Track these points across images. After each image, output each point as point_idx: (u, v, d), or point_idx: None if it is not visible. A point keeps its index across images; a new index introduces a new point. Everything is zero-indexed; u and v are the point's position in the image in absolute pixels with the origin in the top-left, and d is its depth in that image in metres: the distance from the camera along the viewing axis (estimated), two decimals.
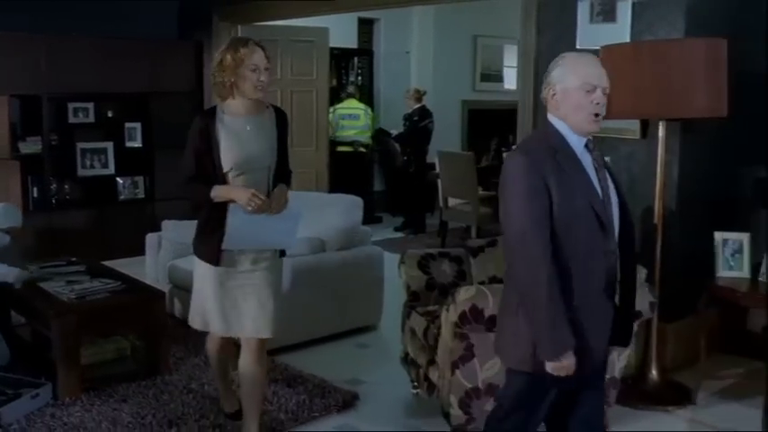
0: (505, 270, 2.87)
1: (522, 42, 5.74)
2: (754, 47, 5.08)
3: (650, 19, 4.96)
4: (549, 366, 2.65)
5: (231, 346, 4.02)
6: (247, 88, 3.53)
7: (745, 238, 4.35)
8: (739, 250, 4.37)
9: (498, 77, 12.10)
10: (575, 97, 2.66)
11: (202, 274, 3.69)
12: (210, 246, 3.60)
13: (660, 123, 4.53)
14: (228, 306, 3.65)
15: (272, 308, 3.69)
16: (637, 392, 4.56)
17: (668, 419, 4.35)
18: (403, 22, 11.46)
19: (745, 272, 4.34)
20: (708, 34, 4.61)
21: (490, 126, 10.73)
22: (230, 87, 3.54)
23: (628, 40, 5.00)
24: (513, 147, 6.34)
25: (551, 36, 5.49)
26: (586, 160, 2.70)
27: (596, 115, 2.67)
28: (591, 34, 5.19)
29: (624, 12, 5.09)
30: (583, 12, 5.30)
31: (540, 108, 5.55)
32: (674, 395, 4.57)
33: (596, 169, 2.70)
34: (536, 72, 5.55)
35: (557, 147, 2.67)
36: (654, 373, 4.63)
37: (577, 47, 5.26)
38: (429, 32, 11.46)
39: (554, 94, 2.71)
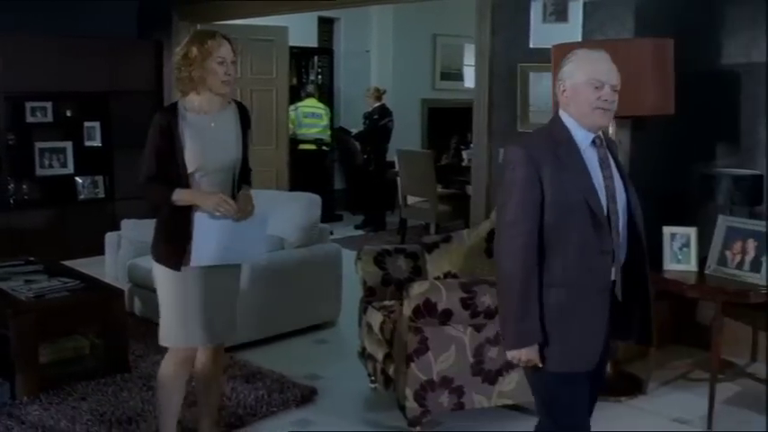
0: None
1: (477, 42, 5.84)
2: (699, 47, 5.21)
3: (601, 19, 5.08)
4: (510, 355, 2.70)
5: (192, 361, 3.68)
6: (215, 82, 3.36)
7: (692, 232, 4.47)
8: (687, 244, 4.48)
9: (458, 76, 12.20)
10: (583, 93, 2.67)
11: (165, 283, 3.46)
12: (173, 252, 3.39)
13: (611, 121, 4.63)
14: (193, 313, 3.45)
15: (236, 310, 3.64)
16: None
17: (620, 409, 4.46)
18: (363, 22, 11.53)
19: (692, 265, 4.46)
20: (656, 34, 4.73)
21: (450, 124, 10.83)
22: (195, 82, 3.36)
23: (579, 39, 5.12)
24: (472, 145, 6.43)
25: (506, 36, 5.60)
26: (591, 156, 2.70)
27: (605, 110, 2.68)
28: (544, 34, 5.31)
29: (576, 12, 5.22)
30: (536, 12, 5.41)
31: (494, 107, 5.68)
32: (625, 386, 4.68)
33: (601, 166, 2.70)
34: (491, 71, 5.65)
35: (559, 141, 2.68)
36: (606, 365, 4.73)
37: (530, 46, 5.38)
38: (389, 31, 11.53)
39: (564, 90, 2.73)
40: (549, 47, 4.69)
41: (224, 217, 3.34)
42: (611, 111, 2.71)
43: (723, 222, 4.43)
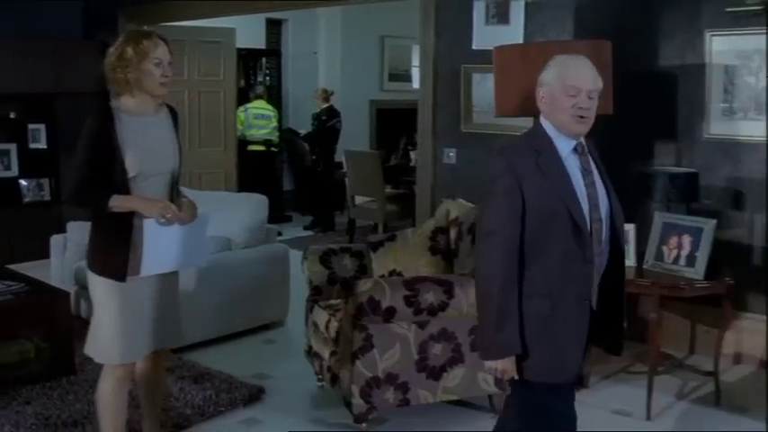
0: None
1: (421, 43, 5.91)
2: (637, 48, 5.35)
3: (542, 21, 5.18)
4: (486, 365, 2.70)
5: (132, 373, 3.52)
6: (151, 84, 3.26)
7: (630, 228, 4.57)
8: (626, 240, 4.59)
9: (406, 77, 12.25)
10: (559, 100, 2.65)
11: (106, 296, 3.28)
12: (117, 262, 3.22)
13: None
14: (137, 324, 3.32)
15: (180, 315, 3.57)
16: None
17: None
18: (311, 23, 11.55)
19: (631, 261, 4.56)
20: (594, 36, 4.85)
21: (399, 125, 10.90)
22: (131, 84, 3.24)
23: (521, 41, 5.21)
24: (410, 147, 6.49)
25: (449, 37, 5.68)
26: (572, 164, 2.67)
27: (581, 118, 2.64)
28: (486, 35, 5.39)
29: (517, 14, 5.31)
30: (478, 14, 5.50)
31: (439, 107, 5.76)
32: None
33: (583, 174, 2.67)
34: (435, 72, 5.73)
35: (540, 149, 2.65)
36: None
37: (473, 48, 5.47)
38: (337, 33, 11.57)
39: (542, 97, 2.71)
40: (492, 48, 4.78)
41: (169, 223, 3.24)
42: (589, 118, 2.67)
43: (660, 219, 4.55)
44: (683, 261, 4.40)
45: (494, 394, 4.25)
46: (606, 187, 2.74)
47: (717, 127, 5.08)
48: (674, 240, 4.46)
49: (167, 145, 3.37)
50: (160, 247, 3.25)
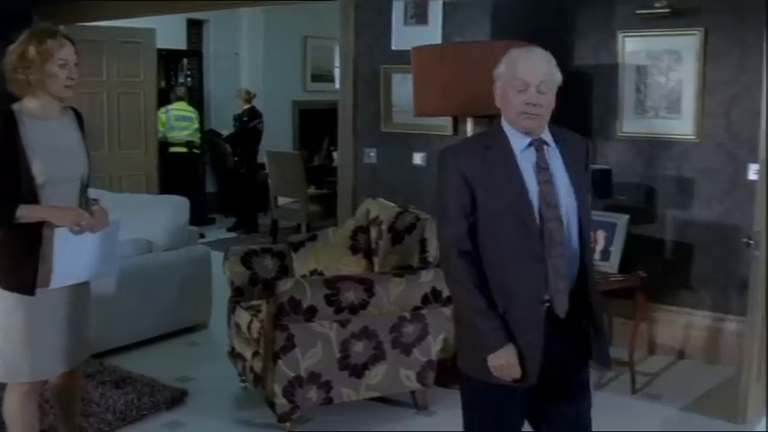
0: None
1: (341, 44, 5.94)
2: (553, 49, 5.45)
3: (460, 21, 5.26)
4: (492, 358, 2.53)
5: (39, 388, 3.35)
6: (55, 87, 3.04)
7: None
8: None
9: (329, 78, 12.27)
10: (509, 95, 2.53)
11: (12, 311, 3.07)
12: (25, 275, 3.02)
13: (468, 120, 4.82)
14: (46, 339, 3.13)
15: (89, 327, 3.38)
16: (455, 373, 4.81)
17: None
18: (232, 23, 11.47)
19: None
20: (511, 37, 4.94)
21: (322, 125, 10.90)
22: (33, 86, 3.03)
23: (439, 41, 5.28)
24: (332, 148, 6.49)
25: (369, 37, 5.71)
26: (527, 160, 2.54)
27: (530, 114, 2.51)
28: (405, 36, 5.44)
29: (435, 14, 5.38)
30: (397, 14, 5.54)
31: (359, 107, 5.80)
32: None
33: (537, 170, 2.53)
34: (355, 72, 5.76)
35: (490, 144, 2.56)
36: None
37: (393, 48, 5.51)
38: (259, 33, 11.52)
39: (497, 92, 2.60)
40: (411, 48, 4.84)
41: (82, 231, 3.06)
42: (539, 114, 2.53)
43: None
44: (597, 255, 4.52)
45: (416, 390, 4.30)
46: (576, 189, 2.58)
47: (630, 125, 5.24)
48: None
49: (75, 149, 3.18)
50: (71, 257, 3.08)
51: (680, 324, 5.16)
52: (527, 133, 2.55)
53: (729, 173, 5.01)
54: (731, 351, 4.87)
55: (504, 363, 2.51)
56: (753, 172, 4.72)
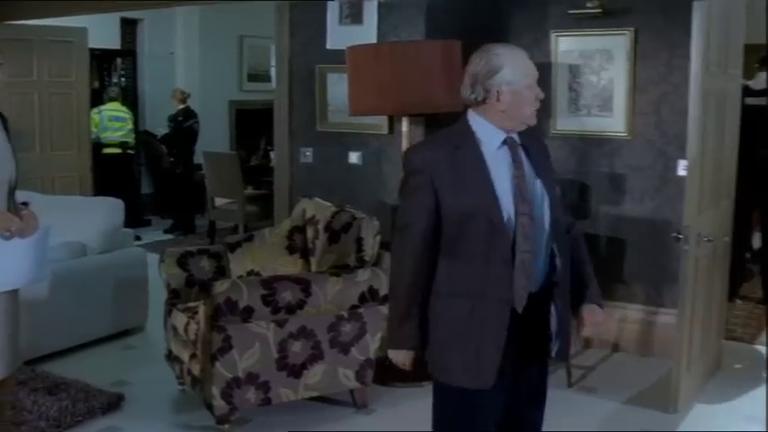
0: None
1: (276, 43, 5.92)
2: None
3: (395, 21, 5.28)
4: (389, 354, 2.65)
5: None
6: None
7: None
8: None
9: (266, 77, 12.18)
10: (525, 96, 2.53)
11: None
12: None
13: (403, 119, 4.84)
14: None
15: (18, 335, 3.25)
16: (393, 371, 4.82)
17: (423, 393, 4.61)
18: (167, 23, 11.33)
19: None
20: (445, 36, 4.98)
21: (259, 125, 10.83)
22: None
23: (374, 41, 5.29)
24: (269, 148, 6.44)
25: (304, 37, 5.71)
26: (502, 157, 2.54)
27: (536, 109, 2.59)
28: (340, 35, 5.45)
29: (371, 14, 5.38)
30: (332, 14, 5.54)
31: (295, 107, 5.78)
32: (427, 371, 4.88)
33: (513, 166, 2.54)
34: (290, 72, 5.74)
35: (459, 144, 2.54)
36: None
37: (328, 48, 5.51)
38: (194, 33, 11.40)
39: (500, 95, 2.50)
40: (345, 48, 4.84)
41: (11, 237, 2.99)
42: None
43: None
44: None
45: (355, 389, 4.31)
46: (547, 186, 2.60)
47: (563, 123, 5.32)
48: None
49: (2, 151, 3.08)
50: (2, 263, 3.00)
51: (614, 318, 5.25)
52: (510, 131, 2.57)
53: (660, 169, 5.12)
54: (664, 343, 4.97)
55: (403, 361, 2.65)
56: (682, 168, 4.84)
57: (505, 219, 2.48)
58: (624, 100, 5.15)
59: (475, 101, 2.55)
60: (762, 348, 5.53)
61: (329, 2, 5.51)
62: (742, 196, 5.24)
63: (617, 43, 5.14)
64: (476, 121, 2.57)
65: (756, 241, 7.11)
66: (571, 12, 5.25)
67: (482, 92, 2.52)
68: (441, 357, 2.59)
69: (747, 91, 5.50)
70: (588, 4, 5.18)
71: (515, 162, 2.55)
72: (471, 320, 2.52)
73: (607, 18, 5.16)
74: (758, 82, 6.37)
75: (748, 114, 5.10)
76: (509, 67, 2.51)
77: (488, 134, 2.55)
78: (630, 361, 5.17)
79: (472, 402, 2.60)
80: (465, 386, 2.57)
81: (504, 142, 2.55)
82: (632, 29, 5.10)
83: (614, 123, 5.20)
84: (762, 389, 4.77)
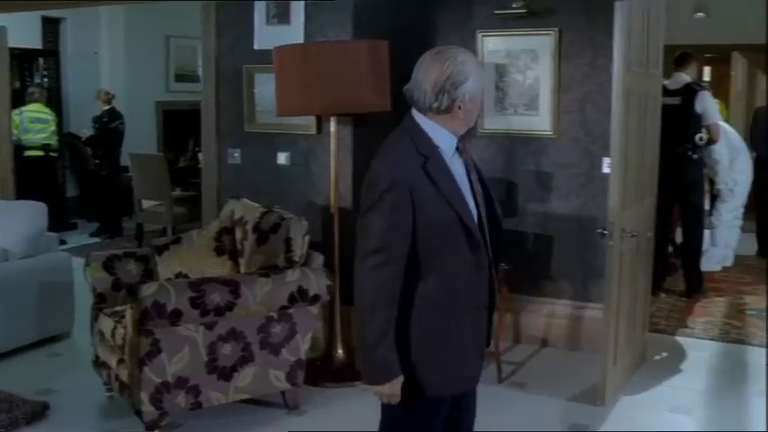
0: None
1: (203, 43, 5.85)
2: (414, 47, 5.53)
3: (322, 21, 5.27)
4: (373, 390, 2.48)
5: None
6: None
7: None
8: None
9: (194, 78, 12.02)
10: (479, 103, 2.53)
11: None
12: None
13: (331, 119, 4.84)
14: None
15: None
16: (325, 371, 4.85)
17: (354, 393, 4.66)
18: (91, 22, 11.11)
19: None
20: (372, 36, 4.99)
21: (186, 126, 10.70)
22: None
23: (302, 40, 5.27)
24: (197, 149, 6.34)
25: (231, 37, 5.66)
26: (458, 164, 2.52)
27: None
28: (268, 35, 5.41)
29: (297, 14, 5.36)
30: (259, 13, 5.50)
31: (222, 108, 5.73)
32: (359, 371, 4.89)
33: (467, 173, 2.55)
34: (217, 72, 5.69)
35: (427, 153, 2.44)
36: (340, 352, 4.95)
37: (255, 48, 5.48)
38: (119, 32, 11.21)
39: (464, 102, 2.45)
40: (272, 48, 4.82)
41: None
42: None
43: None
44: None
45: (286, 390, 4.30)
46: (485, 186, 2.62)
47: (490, 122, 5.37)
48: None
49: None
50: None
51: (542, 313, 5.34)
52: (456, 135, 2.53)
53: (585, 167, 5.21)
54: (591, 337, 5.06)
55: (393, 392, 2.46)
56: (606, 165, 4.92)
57: (477, 224, 2.48)
58: (549, 99, 5.23)
59: (437, 109, 2.46)
60: (684, 340, 5.68)
61: (256, 2, 5.47)
62: (663, 192, 5.37)
63: (542, 43, 5.21)
64: (431, 127, 2.48)
65: (679, 236, 7.30)
66: (497, 12, 5.31)
67: (447, 101, 2.44)
68: (424, 373, 2.49)
69: (664, 90, 5.65)
70: (514, 5, 5.24)
71: (467, 167, 2.55)
72: (454, 329, 2.50)
73: (532, 18, 5.23)
74: (674, 82, 6.57)
75: (665, 114, 5.23)
76: (473, 76, 2.47)
77: (445, 141, 2.49)
78: (559, 356, 5.26)
79: (438, 408, 2.60)
80: (451, 393, 2.58)
81: (457, 148, 2.53)
82: (557, 29, 5.18)
83: (540, 122, 5.28)
84: (684, 378, 4.91)
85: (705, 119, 6.57)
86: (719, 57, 11.99)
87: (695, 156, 6.54)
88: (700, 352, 5.45)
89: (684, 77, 6.66)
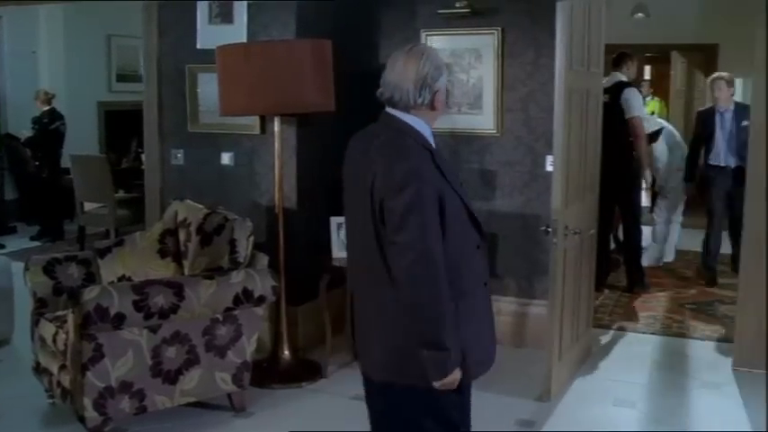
0: (395, 279, 2.46)
1: (145, 43, 5.77)
2: (359, 47, 5.56)
3: (265, 21, 5.23)
4: (440, 384, 2.46)
5: None
6: None
7: None
8: None
9: (136, 78, 11.85)
10: (447, 91, 2.63)
11: None
12: None
13: (275, 119, 4.82)
14: None
15: None
16: (271, 373, 4.83)
17: (301, 394, 4.67)
18: (28, 20, 10.87)
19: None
20: (316, 35, 4.97)
21: (130, 127, 10.54)
22: None
23: (245, 40, 5.22)
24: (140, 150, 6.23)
25: (174, 36, 5.58)
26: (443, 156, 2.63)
27: None
28: (210, 35, 5.35)
29: (240, 13, 5.31)
30: (202, 13, 5.44)
31: (165, 108, 5.65)
32: (306, 372, 4.90)
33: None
34: (159, 72, 5.61)
35: (429, 148, 2.52)
36: (286, 353, 4.92)
37: (198, 47, 5.42)
38: (58, 31, 10.99)
39: (436, 94, 2.54)
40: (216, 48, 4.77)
41: None
42: None
43: None
44: None
45: (233, 392, 4.27)
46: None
47: (436, 120, 5.37)
48: None
49: None
50: None
51: None
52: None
53: (528, 165, 5.27)
54: (536, 334, 5.11)
55: (456, 377, 2.49)
56: (550, 163, 4.99)
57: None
58: (493, 98, 5.27)
59: (421, 104, 2.53)
60: (628, 334, 5.76)
61: (198, 1, 5.41)
62: (604, 190, 5.44)
63: (485, 42, 5.25)
64: (417, 123, 2.55)
65: (622, 233, 7.41)
66: (441, 12, 5.34)
67: (429, 95, 2.53)
68: (470, 355, 2.53)
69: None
70: (457, 4, 5.28)
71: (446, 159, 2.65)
72: (479, 308, 2.61)
73: (476, 18, 5.27)
74: (608, 81, 6.63)
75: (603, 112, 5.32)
76: (444, 70, 2.58)
77: (429, 134, 2.58)
78: (505, 352, 5.24)
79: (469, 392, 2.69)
80: (480, 375, 2.62)
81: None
82: (500, 28, 5.23)
83: (484, 121, 5.32)
84: (628, 372, 4.98)
85: (626, 113, 6.59)
86: (659, 56, 12.22)
87: (634, 153, 6.63)
88: (642, 346, 5.55)
89: (619, 76, 6.74)
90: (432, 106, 2.55)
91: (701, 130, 7.28)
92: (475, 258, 2.60)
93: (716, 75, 7.25)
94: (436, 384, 2.46)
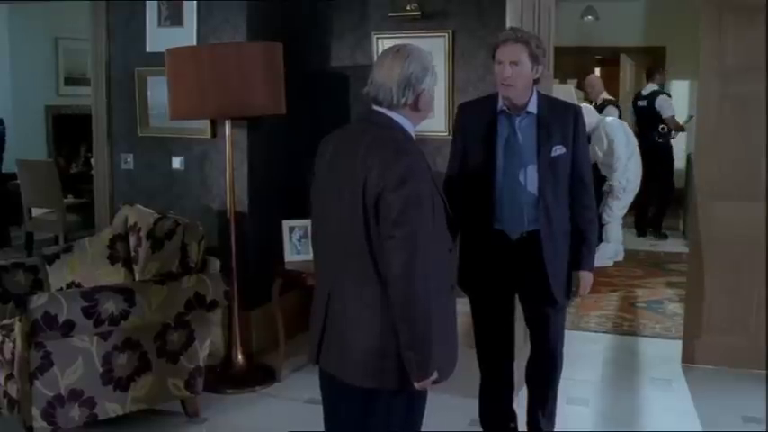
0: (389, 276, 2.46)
1: (93, 46, 5.70)
2: (310, 50, 5.56)
3: (215, 23, 5.20)
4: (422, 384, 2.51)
5: None
6: None
7: (308, 224, 4.71)
8: (306, 235, 4.75)
9: (85, 81, 11.64)
10: (433, 94, 2.64)
11: None
12: None
13: (226, 122, 4.79)
14: None
15: None
16: (225, 378, 4.80)
17: (255, 398, 4.65)
18: None
19: (310, 255, 4.71)
20: (267, 38, 4.95)
21: (79, 131, 10.38)
22: None
23: (195, 43, 5.19)
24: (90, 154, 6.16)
25: (123, 39, 5.52)
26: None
27: None
28: (160, 38, 5.29)
29: (190, 16, 5.27)
30: (151, 16, 5.39)
31: (114, 112, 5.58)
32: (259, 376, 4.88)
33: None
34: (108, 76, 5.55)
35: (418, 148, 2.59)
36: (240, 358, 4.89)
37: (147, 51, 5.36)
38: (3, 32, 10.75)
39: (420, 96, 2.57)
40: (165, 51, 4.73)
41: None
42: None
43: None
44: None
45: (186, 398, 4.23)
46: None
47: None
48: None
49: None
50: None
51: None
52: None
53: None
54: None
55: (433, 378, 2.54)
56: None
57: None
58: (444, 100, 5.29)
59: (404, 104, 2.56)
60: (580, 333, 5.83)
61: (147, 2, 5.35)
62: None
63: (436, 45, 5.27)
64: (403, 122, 2.59)
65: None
66: (392, 14, 5.36)
67: (412, 96, 2.56)
68: (442, 358, 2.57)
69: None
70: (408, 7, 5.30)
71: None
72: (450, 311, 2.68)
73: (426, 20, 5.30)
74: (645, 90, 7.28)
75: None
76: (430, 71, 2.60)
77: (412, 133, 2.63)
78: (461, 353, 5.29)
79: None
80: (449, 376, 2.66)
81: None
82: (450, 31, 5.26)
83: (435, 123, 5.31)
84: (581, 370, 5.04)
85: (663, 114, 9.09)
86: (609, 59, 12.38)
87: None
88: (594, 344, 5.62)
89: (652, 87, 9.43)
90: (415, 107, 2.58)
91: None
92: (446, 261, 2.64)
93: None
94: (417, 385, 2.49)
